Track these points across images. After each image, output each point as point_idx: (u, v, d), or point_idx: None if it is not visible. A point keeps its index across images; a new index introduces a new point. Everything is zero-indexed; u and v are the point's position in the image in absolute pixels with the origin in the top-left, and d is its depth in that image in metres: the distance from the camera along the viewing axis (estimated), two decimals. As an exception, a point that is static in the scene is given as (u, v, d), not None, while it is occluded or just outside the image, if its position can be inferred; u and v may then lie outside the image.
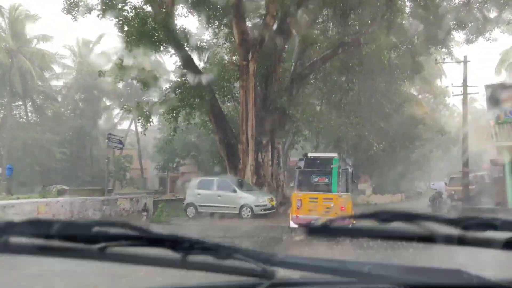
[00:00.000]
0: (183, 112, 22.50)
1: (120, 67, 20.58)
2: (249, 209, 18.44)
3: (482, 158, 57.96)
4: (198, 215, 19.14)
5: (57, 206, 14.28)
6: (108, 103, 46.04)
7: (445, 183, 28.47)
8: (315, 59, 22.69)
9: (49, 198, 15.26)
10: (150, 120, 21.63)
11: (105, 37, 43.84)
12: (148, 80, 21.17)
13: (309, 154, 12.97)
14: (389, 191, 39.99)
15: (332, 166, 11.67)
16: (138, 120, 22.76)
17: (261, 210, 18.47)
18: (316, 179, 12.14)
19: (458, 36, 25.71)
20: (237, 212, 18.54)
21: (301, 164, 12.45)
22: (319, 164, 12.23)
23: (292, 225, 11.46)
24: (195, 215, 19.22)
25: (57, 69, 45.45)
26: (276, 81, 21.95)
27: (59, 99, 46.34)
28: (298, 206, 11.59)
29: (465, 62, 24.36)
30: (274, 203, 19.31)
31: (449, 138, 33.31)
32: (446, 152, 44.64)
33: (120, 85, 46.24)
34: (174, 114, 21.93)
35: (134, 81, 25.80)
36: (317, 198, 11.60)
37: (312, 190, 12.00)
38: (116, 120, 49.03)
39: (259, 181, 21.53)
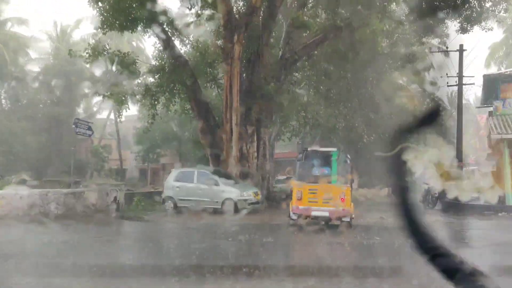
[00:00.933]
0: (162, 98, 20.72)
1: (94, 47, 18.67)
2: (232, 204, 16.80)
3: (468, 152, 57.37)
4: (176, 210, 17.46)
5: (15, 199, 12.49)
6: (86, 90, 43.74)
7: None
8: (304, 44, 21.06)
9: (6, 190, 13.43)
10: (126, 105, 19.80)
11: (85, 23, 41.72)
12: (124, 63, 19.29)
13: (309, 148, 12.91)
14: (375, 185, 38.78)
15: (331, 159, 11.79)
16: (115, 105, 20.88)
17: (245, 205, 16.84)
18: (316, 171, 12.12)
19: (453, 25, 24.16)
20: (219, 206, 16.89)
21: (302, 157, 12.50)
22: (319, 157, 12.27)
23: (292, 215, 11.70)
24: (174, 209, 17.53)
25: (33, 54, 43.07)
26: (263, 66, 20.25)
27: (35, 85, 43.89)
28: (298, 197, 11.62)
29: (461, 50, 23.00)
30: (260, 197, 17.71)
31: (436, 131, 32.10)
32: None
33: (99, 71, 44.43)
34: (153, 100, 20.12)
35: (110, 65, 23.91)
36: (317, 190, 11.55)
37: (311, 182, 11.90)
38: (95, 109, 46.78)
39: (244, 174, 19.89)
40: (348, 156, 12.91)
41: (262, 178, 20.39)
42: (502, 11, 24.49)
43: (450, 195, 23.23)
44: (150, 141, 35.39)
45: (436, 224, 13.92)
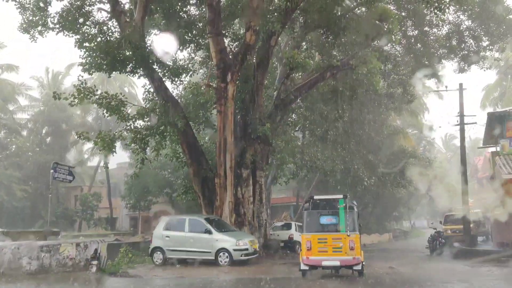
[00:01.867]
0: (152, 142, 19.50)
1: (79, 89, 17.58)
2: (227, 254, 15.22)
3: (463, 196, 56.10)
4: (166, 262, 15.85)
5: (-19, 254, 10.93)
6: (77, 137, 42.46)
7: (440, 222, 25.81)
8: (300, 84, 20.20)
9: (-28, 244, 11.86)
10: (113, 150, 18.51)
11: (77, 69, 40.85)
12: (112, 105, 18.17)
13: (315, 197, 12.51)
14: (374, 230, 37.19)
15: (339, 206, 11.40)
16: (100, 150, 19.57)
17: (241, 255, 15.27)
18: (324, 220, 11.79)
19: (450, 64, 23.66)
20: (213, 258, 15.31)
21: (308, 206, 12.20)
22: (325, 205, 11.99)
23: (303, 266, 11.34)
24: (163, 261, 15.90)
25: (23, 101, 42.10)
26: (257, 107, 19.24)
27: (24, 133, 42.66)
28: (308, 247, 11.28)
29: (461, 89, 22.23)
30: (257, 246, 16.18)
31: (434, 175, 30.85)
32: (428, 190, 42.13)
33: (90, 118, 43.42)
34: (142, 144, 18.86)
35: (101, 111, 22.85)
36: (326, 239, 11.31)
37: (320, 231, 11.65)
38: (86, 156, 45.40)
39: (239, 220, 18.44)
40: (355, 203, 12.45)
41: (258, 225, 18.91)
42: (499, 51, 24.06)
43: (452, 240, 21.77)
44: (141, 188, 33.83)
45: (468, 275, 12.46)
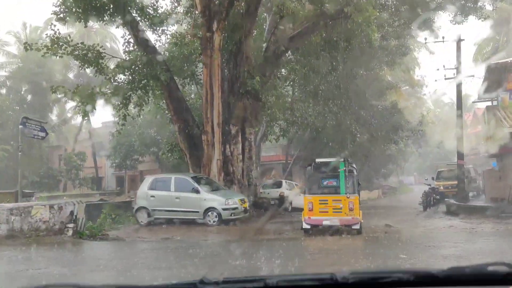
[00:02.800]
0: (134, 97, 18.18)
1: (53, 40, 16.05)
2: (215, 214, 14.36)
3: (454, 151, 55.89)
4: (152, 222, 14.97)
5: None
6: (59, 95, 40.65)
7: (432, 178, 25.23)
8: (291, 35, 18.81)
9: None
10: (93, 106, 17.22)
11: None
12: (90, 58, 16.72)
13: (317, 160, 12.96)
14: (364, 187, 36.75)
15: (339, 169, 11.78)
16: (79, 107, 18.25)
17: (231, 215, 14.43)
18: (325, 183, 12.33)
19: (446, 15, 22.29)
20: (201, 217, 14.44)
21: (310, 168, 12.62)
22: (327, 168, 12.26)
23: (305, 225, 11.79)
24: (148, 222, 15.02)
25: (0, 58, 39.93)
26: (246, 59, 17.93)
27: (3, 91, 40.74)
28: (309, 208, 11.74)
29: (459, 40, 21.05)
30: (247, 205, 15.31)
31: (423, 131, 29.98)
32: (418, 146, 41.56)
33: (71, 75, 41.50)
34: (124, 100, 17.55)
35: (81, 66, 21.29)
36: (327, 200, 11.76)
37: (321, 193, 12.15)
38: (69, 114, 43.73)
39: (228, 179, 17.52)
40: (354, 166, 12.71)
41: (248, 183, 18.00)
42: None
43: (446, 196, 21.19)
44: (127, 147, 32.71)
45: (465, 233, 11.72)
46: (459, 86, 20.47)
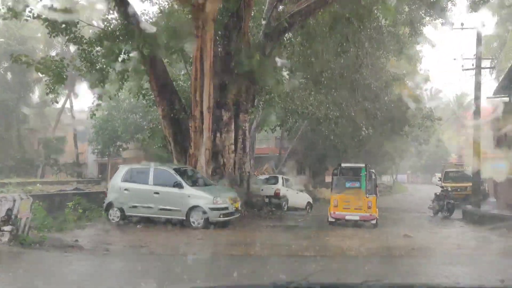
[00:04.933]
0: (113, 73, 15.48)
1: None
2: (201, 214, 11.75)
3: (451, 152, 53.84)
4: (126, 220, 12.35)
5: None
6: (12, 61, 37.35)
7: (439, 179, 22.82)
8: (295, 9, 16.14)
9: None
10: (62, 82, 14.52)
11: None
12: (59, 24, 13.98)
13: (343, 164, 14.56)
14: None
15: (361, 174, 13.46)
16: (46, 81, 15.51)
17: (219, 216, 11.82)
18: (348, 184, 13.81)
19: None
20: (184, 218, 11.83)
21: (336, 172, 14.22)
22: (350, 171, 14.21)
23: (330, 219, 13.32)
24: (120, 220, 12.38)
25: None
26: (244, 35, 15.26)
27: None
28: (335, 204, 13.37)
29: (480, 28, 18.58)
30: (239, 204, 12.71)
31: (432, 127, 27.59)
32: (418, 144, 39.21)
33: (54, 53, 38.32)
34: (100, 76, 14.85)
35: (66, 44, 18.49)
36: (350, 199, 13.27)
37: (345, 192, 13.51)
38: (51, 96, 40.50)
39: (217, 172, 14.94)
40: (373, 171, 14.69)
41: (241, 178, 15.42)
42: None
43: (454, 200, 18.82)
44: (110, 132, 29.87)
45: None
46: (478, 78, 17.98)
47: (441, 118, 28.05)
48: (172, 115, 15.32)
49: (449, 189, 20.25)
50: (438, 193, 17.91)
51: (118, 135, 29.86)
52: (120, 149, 31.27)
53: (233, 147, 15.27)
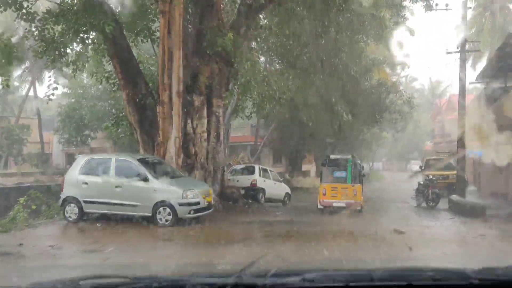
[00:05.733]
0: (72, 54, 13.87)
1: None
2: (169, 211, 10.41)
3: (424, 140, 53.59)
4: (85, 217, 10.90)
5: None
6: None
7: (421, 167, 22.00)
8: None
9: None
10: (11, 63, 12.81)
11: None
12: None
13: (331, 156, 15.43)
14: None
15: (347, 164, 14.37)
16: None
17: (190, 212, 10.50)
18: (336, 174, 14.51)
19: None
20: (150, 214, 10.45)
21: (325, 162, 15.01)
22: (338, 162, 14.80)
23: (320, 206, 14.18)
24: (78, 217, 10.91)
25: None
26: (216, 12, 13.82)
27: None
28: (323, 193, 14.22)
29: (465, 7, 17.60)
30: (211, 198, 11.40)
31: (411, 114, 26.72)
32: (395, 131, 38.39)
33: (14, 39, 35.84)
34: (56, 55, 13.19)
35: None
36: (337, 188, 14.18)
37: (333, 181, 14.39)
38: (16, 83, 38.11)
39: (189, 163, 13.56)
40: (359, 161, 15.59)
41: (214, 169, 14.07)
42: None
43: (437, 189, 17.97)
44: (77, 120, 27.98)
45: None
46: (463, 61, 17.02)
47: (420, 105, 27.29)
48: (137, 100, 13.83)
49: (432, 177, 19.45)
50: (421, 182, 17.04)
51: (85, 123, 28.03)
52: (88, 139, 29.44)
53: (205, 135, 13.88)
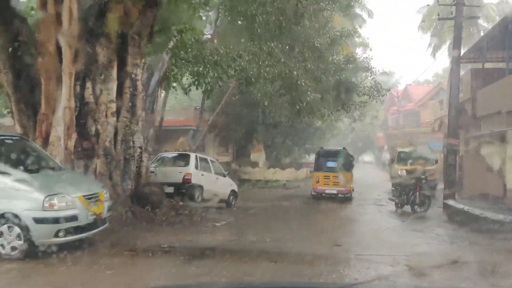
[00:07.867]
0: None
1: None
2: (18, 231, 5.59)
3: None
4: None
5: None
6: None
7: (392, 161, 18.31)
8: None
9: None
10: None
11: None
12: None
13: (324, 148, 17.96)
14: (288, 164, 29.43)
15: (339, 155, 15.72)
16: None
17: (57, 234, 5.72)
18: (328, 164, 15.58)
19: None
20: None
21: (318, 154, 16.43)
22: (330, 153, 16.27)
23: (313, 193, 15.33)
24: None
25: None
26: None
27: None
28: (317, 181, 15.39)
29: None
30: (104, 207, 6.59)
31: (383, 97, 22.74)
32: (353, 120, 34.68)
33: None
34: None
35: None
36: (329, 176, 15.20)
37: (325, 170, 15.47)
38: None
39: (85, 147, 8.68)
40: (350, 153, 16.70)
41: (126, 157, 9.25)
42: None
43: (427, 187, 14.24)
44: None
45: None
46: (458, 40, 13.17)
47: (390, 89, 23.71)
48: (12, 48, 8.80)
49: (404, 172, 15.72)
50: (397, 180, 13.23)
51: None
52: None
53: (114, 106, 9.04)
